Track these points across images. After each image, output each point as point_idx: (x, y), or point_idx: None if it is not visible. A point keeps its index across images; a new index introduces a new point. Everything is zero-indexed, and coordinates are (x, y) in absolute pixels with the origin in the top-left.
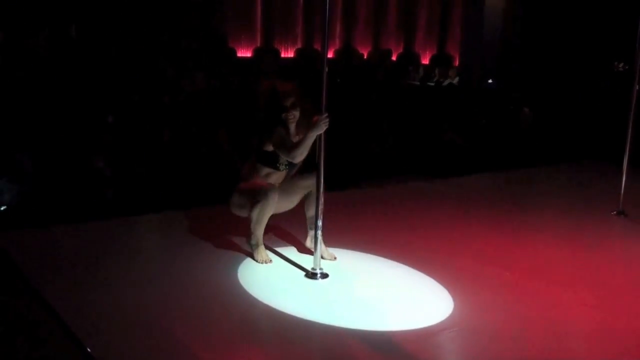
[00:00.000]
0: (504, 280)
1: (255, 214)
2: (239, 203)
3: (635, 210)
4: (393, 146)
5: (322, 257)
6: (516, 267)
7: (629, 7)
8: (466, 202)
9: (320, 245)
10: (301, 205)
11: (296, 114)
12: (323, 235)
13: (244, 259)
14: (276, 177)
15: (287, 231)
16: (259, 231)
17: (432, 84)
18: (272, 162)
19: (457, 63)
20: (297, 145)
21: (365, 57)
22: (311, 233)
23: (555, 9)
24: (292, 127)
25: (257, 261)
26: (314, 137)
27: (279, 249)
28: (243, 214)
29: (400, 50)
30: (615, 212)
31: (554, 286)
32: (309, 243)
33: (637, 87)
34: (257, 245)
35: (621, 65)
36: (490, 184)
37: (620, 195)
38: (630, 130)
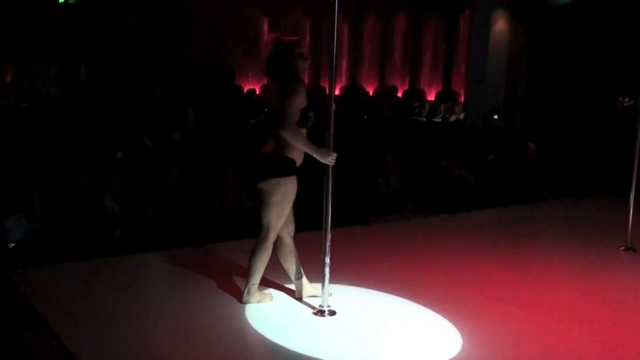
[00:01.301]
0: (512, 317)
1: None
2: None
3: None
4: (400, 182)
5: (309, 295)
6: (524, 303)
7: (633, 43)
8: (473, 237)
9: (306, 281)
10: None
11: (305, 65)
12: (331, 271)
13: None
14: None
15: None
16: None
17: (438, 120)
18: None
19: (462, 99)
20: (298, 133)
21: (371, 94)
22: (297, 283)
23: (559, 45)
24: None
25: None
26: (311, 153)
27: (286, 285)
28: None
29: (406, 87)
30: (623, 248)
31: (562, 323)
32: (300, 293)
33: None
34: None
35: (626, 100)
36: (497, 219)
37: (628, 230)
38: (636, 164)
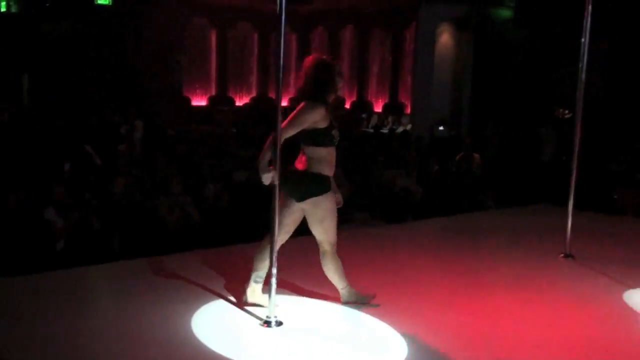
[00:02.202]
0: (458, 325)
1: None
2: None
3: (582, 252)
4: (349, 192)
5: (254, 302)
6: (469, 310)
7: (571, 56)
8: (420, 246)
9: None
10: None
11: (340, 84)
12: (278, 282)
13: (199, 307)
14: (332, 158)
15: (238, 275)
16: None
17: (386, 131)
18: (324, 138)
19: (409, 111)
20: (271, 144)
21: None
22: (254, 286)
23: (503, 58)
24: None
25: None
26: (257, 162)
27: (232, 297)
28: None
29: (354, 98)
30: (563, 255)
31: (505, 330)
32: (247, 298)
33: (579, 133)
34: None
35: (566, 112)
36: (443, 228)
37: (566, 238)
38: (574, 174)
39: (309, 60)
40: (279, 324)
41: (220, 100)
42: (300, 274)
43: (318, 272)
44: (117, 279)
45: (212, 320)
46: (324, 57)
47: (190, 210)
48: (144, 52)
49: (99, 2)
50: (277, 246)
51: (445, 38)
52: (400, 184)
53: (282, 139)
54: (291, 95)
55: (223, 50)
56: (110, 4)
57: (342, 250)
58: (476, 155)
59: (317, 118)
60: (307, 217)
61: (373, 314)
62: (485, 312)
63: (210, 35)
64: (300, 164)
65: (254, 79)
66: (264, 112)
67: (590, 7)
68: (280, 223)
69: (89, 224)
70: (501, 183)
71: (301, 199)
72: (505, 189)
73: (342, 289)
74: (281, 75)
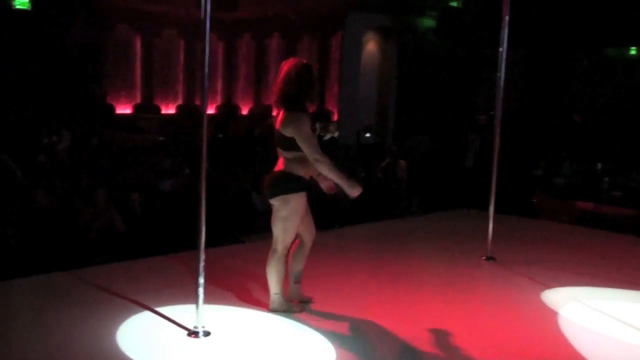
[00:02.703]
0: (385, 329)
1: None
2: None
3: (502, 255)
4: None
5: (302, 301)
6: (396, 315)
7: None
8: (347, 253)
9: (198, 302)
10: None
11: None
12: (205, 292)
13: (125, 319)
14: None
15: (166, 286)
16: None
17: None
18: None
19: (336, 118)
20: (329, 162)
21: (247, 112)
22: (294, 287)
23: (426, 66)
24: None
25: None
26: (341, 184)
27: (158, 309)
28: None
29: None
30: (485, 258)
31: (430, 331)
32: (292, 298)
33: (498, 139)
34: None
35: (482, 117)
36: (370, 234)
37: (488, 241)
38: (494, 180)
39: (290, 64)
40: (207, 334)
41: (146, 109)
42: (232, 283)
43: (243, 280)
44: (38, 293)
45: (138, 333)
46: (303, 61)
47: (114, 221)
48: (66, 58)
49: (18, 6)
50: (299, 247)
51: (371, 46)
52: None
53: (320, 153)
54: (218, 103)
55: (148, 58)
56: (30, 8)
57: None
58: (402, 162)
59: (307, 123)
60: (273, 213)
61: (302, 321)
62: (411, 315)
63: (135, 43)
64: (277, 167)
65: (180, 87)
66: (191, 120)
67: (507, 17)
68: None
69: (6, 237)
70: (426, 189)
71: (271, 195)
72: (430, 194)
73: (274, 294)
74: (206, 83)
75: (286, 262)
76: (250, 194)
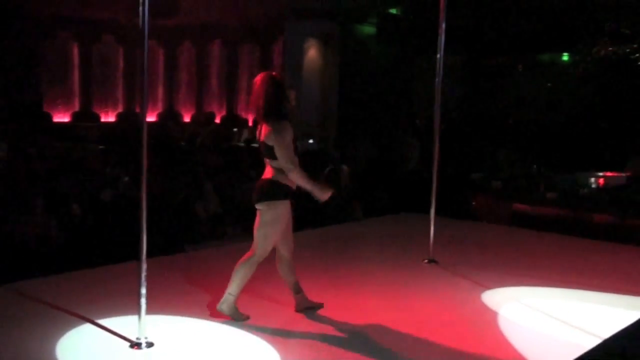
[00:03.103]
0: (327, 333)
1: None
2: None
3: (444, 257)
4: (219, 207)
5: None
6: (340, 318)
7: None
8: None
9: (143, 313)
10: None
11: (292, 98)
12: (147, 302)
13: (65, 332)
14: None
15: (107, 297)
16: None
17: (257, 145)
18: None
19: None
20: (300, 171)
21: (189, 120)
22: (298, 297)
23: (367, 73)
24: None
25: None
26: (309, 189)
27: (100, 321)
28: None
29: (224, 113)
30: (426, 261)
31: (373, 335)
32: (300, 306)
33: (437, 143)
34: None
35: (417, 121)
36: (313, 239)
37: (429, 244)
38: (434, 183)
39: (259, 78)
40: (150, 345)
41: (84, 117)
42: (175, 292)
43: (186, 290)
44: None
45: (78, 346)
46: (273, 73)
47: (52, 232)
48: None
49: None
50: (281, 261)
51: (312, 53)
52: None
53: (293, 163)
54: (159, 111)
55: (86, 65)
56: None
57: (214, 266)
58: (345, 168)
59: (289, 132)
60: (257, 218)
61: (247, 330)
62: (354, 318)
63: (72, 49)
64: (265, 175)
65: (120, 94)
66: (130, 129)
67: (444, 24)
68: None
69: None
70: (369, 193)
71: (257, 200)
72: (372, 199)
73: (229, 294)
74: (146, 90)
75: (254, 269)
76: (194, 203)
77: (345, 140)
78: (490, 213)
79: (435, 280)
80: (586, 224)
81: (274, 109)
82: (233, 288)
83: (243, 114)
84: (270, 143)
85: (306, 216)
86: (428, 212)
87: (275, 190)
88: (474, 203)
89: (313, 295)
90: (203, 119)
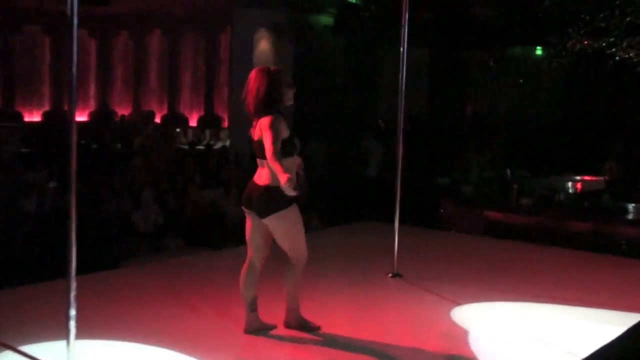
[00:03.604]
0: (285, 356)
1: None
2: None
3: (409, 270)
4: (160, 217)
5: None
6: (298, 338)
7: (394, 66)
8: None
9: (72, 336)
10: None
11: (291, 94)
12: (78, 325)
13: None
14: (293, 167)
15: (32, 321)
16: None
17: (202, 147)
18: (289, 147)
19: (227, 124)
20: (278, 162)
21: (125, 119)
22: (252, 315)
23: (323, 67)
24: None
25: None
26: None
27: (24, 347)
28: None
29: (165, 112)
30: (391, 275)
31: (334, 353)
32: (251, 328)
33: (401, 147)
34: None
35: (381, 122)
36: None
37: (394, 257)
38: (398, 190)
39: (254, 73)
40: None
41: (5, 116)
42: (108, 314)
43: (119, 310)
44: None
45: None
46: (271, 68)
47: None
48: None
49: None
50: (251, 270)
51: (263, 45)
52: (220, 206)
53: (277, 155)
54: (92, 110)
55: (7, 57)
56: None
57: (153, 284)
58: (301, 173)
59: (284, 127)
60: (273, 233)
61: (184, 352)
62: (314, 339)
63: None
64: (260, 179)
65: (46, 91)
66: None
67: (407, 15)
68: (253, 245)
69: None
70: (327, 201)
71: (264, 215)
72: (331, 207)
73: (290, 309)
74: (75, 86)
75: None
76: (131, 212)
77: (301, 141)
78: (460, 221)
79: (401, 296)
80: (564, 233)
81: (268, 106)
82: (290, 301)
83: (187, 113)
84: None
85: None
86: (392, 221)
87: (278, 200)
88: (442, 210)
89: (265, 317)
90: (141, 118)
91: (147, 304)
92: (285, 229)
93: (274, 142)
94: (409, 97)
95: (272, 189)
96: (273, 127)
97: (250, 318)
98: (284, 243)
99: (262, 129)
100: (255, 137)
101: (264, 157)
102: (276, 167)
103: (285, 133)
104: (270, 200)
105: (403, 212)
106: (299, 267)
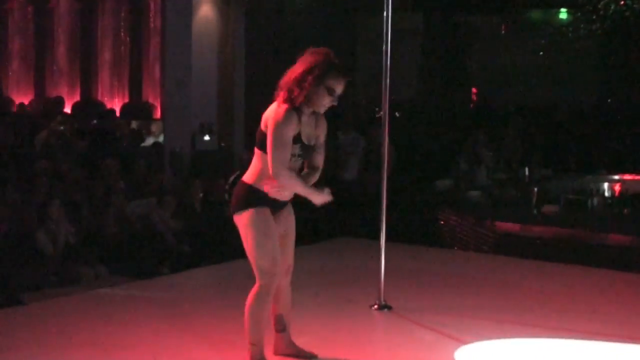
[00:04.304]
0: None
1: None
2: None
3: (400, 301)
4: (73, 238)
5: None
6: None
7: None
8: (178, 307)
9: None
10: None
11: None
12: None
13: None
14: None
15: None
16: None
17: (126, 144)
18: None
19: (159, 114)
20: (289, 173)
21: (26, 108)
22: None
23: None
24: (311, 118)
25: None
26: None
27: None
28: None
29: (77, 98)
30: (376, 306)
31: None
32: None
33: (387, 144)
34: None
35: (377, 109)
36: (214, 280)
37: (380, 283)
38: (384, 198)
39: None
40: None
41: None
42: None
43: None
44: None
45: None
46: (325, 52)
47: None
48: None
49: None
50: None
51: (206, 11)
52: (153, 220)
53: (283, 165)
54: None
55: None
56: None
57: (64, 325)
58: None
59: (292, 128)
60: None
61: None
62: None
63: None
64: (250, 177)
65: None
66: None
67: None
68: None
69: None
70: (295, 212)
71: (232, 213)
72: (301, 219)
73: (250, 344)
74: None
75: (270, 301)
76: (35, 234)
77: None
78: (465, 236)
79: (391, 334)
80: (599, 248)
81: (289, 94)
82: (251, 336)
83: (106, 100)
84: (264, 130)
85: (202, 247)
86: (376, 237)
87: (246, 198)
88: (441, 222)
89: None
90: (46, 107)
91: (55, 350)
92: (244, 235)
93: (277, 150)
94: (395, 77)
95: (248, 187)
96: (276, 126)
97: (282, 337)
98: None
99: (265, 118)
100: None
101: (258, 147)
102: (292, 184)
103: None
104: (238, 197)
105: (391, 225)
106: (260, 293)
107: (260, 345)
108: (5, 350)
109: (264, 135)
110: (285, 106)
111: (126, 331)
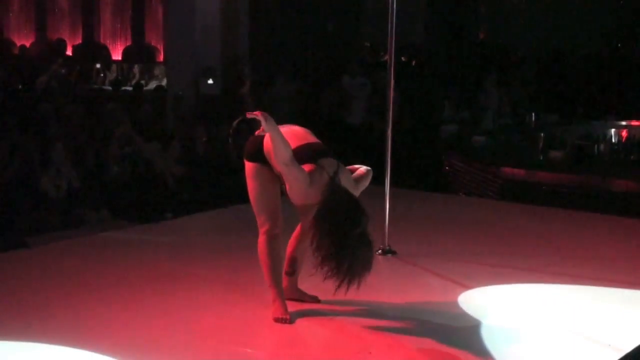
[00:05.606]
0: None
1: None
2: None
3: (405, 246)
4: (76, 182)
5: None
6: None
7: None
8: (179, 254)
9: None
10: None
11: None
12: None
13: None
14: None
15: None
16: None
17: (130, 88)
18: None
19: (162, 58)
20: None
21: (27, 51)
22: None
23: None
24: None
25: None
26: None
27: None
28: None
29: (79, 40)
30: (380, 251)
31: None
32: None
33: (392, 84)
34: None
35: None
36: (215, 224)
37: (385, 229)
38: (389, 143)
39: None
40: None
41: None
42: (12, 307)
43: (26, 302)
44: None
45: None
46: None
47: None
48: None
49: None
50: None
51: None
52: (158, 166)
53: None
54: None
55: None
56: None
57: (67, 267)
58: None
59: None
60: None
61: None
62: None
63: None
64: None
65: None
66: None
67: None
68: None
69: None
70: None
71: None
72: None
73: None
74: None
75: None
76: (39, 177)
77: (262, 79)
78: (470, 181)
79: (396, 279)
80: (605, 194)
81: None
82: (270, 278)
83: (108, 42)
84: None
85: (208, 193)
86: (381, 182)
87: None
88: (446, 168)
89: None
90: (48, 49)
91: (62, 294)
92: (247, 182)
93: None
94: (402, 18)
95: (260, 145)
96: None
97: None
98: None
99: None
100: None
101: None
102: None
103: None
104: (248, 147)
105: (396, 170)
106: (265, 239)
107: (279, 285)
108: (10, 293)
109: None
110: None
111: (133, 274)
